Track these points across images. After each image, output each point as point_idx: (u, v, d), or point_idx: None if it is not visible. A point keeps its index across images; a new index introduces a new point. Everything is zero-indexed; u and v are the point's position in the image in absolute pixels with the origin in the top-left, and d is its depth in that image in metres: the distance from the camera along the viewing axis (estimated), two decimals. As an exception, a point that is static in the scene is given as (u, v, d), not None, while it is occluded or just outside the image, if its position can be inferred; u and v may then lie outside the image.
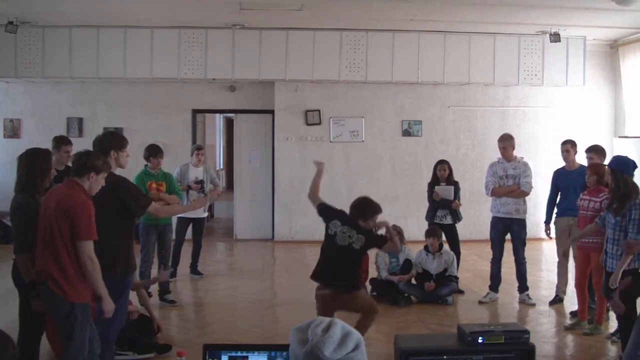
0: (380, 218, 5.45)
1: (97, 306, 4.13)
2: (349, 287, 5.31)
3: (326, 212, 5.42)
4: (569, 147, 7.26)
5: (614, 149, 10.67)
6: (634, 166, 5.23)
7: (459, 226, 8.15)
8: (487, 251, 7.73)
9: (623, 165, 5.20)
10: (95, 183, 4.11)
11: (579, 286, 6.32)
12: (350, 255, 5.27)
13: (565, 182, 7.14)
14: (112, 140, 4.86)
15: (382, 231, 5.53)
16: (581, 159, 7.09)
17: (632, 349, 4.20)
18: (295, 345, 1.87)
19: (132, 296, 5.92)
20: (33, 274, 4.15)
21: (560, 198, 7.23)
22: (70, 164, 4.80)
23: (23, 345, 4.43)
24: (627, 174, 5.13)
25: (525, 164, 7.46)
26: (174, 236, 7.90)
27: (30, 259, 4.24)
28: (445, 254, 7.57)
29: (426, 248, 7.58)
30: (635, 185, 5.11)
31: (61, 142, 6.35)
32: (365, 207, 5.37)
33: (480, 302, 7.36)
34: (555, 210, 7.31)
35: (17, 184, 4.56)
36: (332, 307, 5.29)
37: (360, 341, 1.84)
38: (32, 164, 4.54)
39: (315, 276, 5.43)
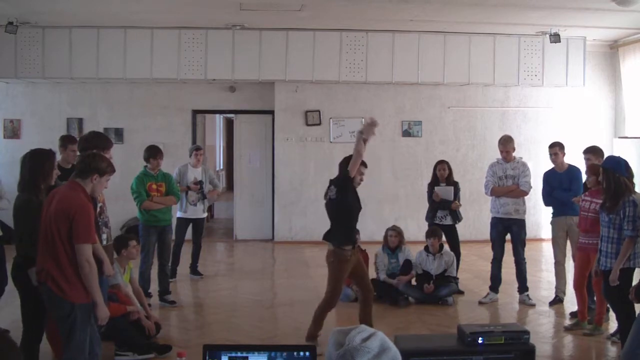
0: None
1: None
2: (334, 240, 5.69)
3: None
4: (557, 149, 7.28)
5: (613, 149, 10.67)
6: (626, 165, 5.30)
7: (459, 227, 8.15)
8: (487, 251, 7.74)
9: (614, 164, 5.32)
10: (99, 185, 4.13)
11: (577, 287, 6.33)
12: (330, 208, 5.79)
13: (555, 183, 7.17)
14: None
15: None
16: (580, 159, 7.08)
17: (631, 346, 4.20)
18: (331, 346, 1.86)
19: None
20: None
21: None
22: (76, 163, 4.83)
23: (25, 346, 4.43)
24: (619, 173, 5.21)
25: (524, 164, 7.48)
26: (173, 236, 7.90)
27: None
28: (445, 255, 7.57)
29: (426, 249, 7.58)
30: (627, 183, 5.21)
31: (67, 141, 6.41)
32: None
33: (480, 303, 7.36)
34: (551, 210, 7.34)
35: (19, 184, 4.58)
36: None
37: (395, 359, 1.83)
38: (36, 163, 4.56)
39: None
